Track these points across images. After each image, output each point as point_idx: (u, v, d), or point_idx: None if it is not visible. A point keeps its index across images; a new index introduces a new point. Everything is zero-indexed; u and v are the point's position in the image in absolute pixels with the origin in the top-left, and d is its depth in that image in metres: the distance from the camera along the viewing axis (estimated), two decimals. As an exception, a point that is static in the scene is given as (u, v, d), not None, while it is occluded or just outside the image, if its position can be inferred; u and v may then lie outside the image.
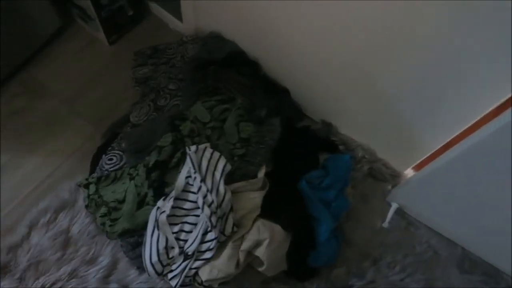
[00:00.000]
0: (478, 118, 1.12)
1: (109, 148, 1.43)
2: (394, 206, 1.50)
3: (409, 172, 1.53)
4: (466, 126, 1.17)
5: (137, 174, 1.29)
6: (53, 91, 1.61)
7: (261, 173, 1.31)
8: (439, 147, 1.31)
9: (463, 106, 1.12)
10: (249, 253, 1.28)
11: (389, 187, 1.54)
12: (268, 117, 1.48)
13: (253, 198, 1.28)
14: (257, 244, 1.26)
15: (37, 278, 1.31)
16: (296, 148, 1.47)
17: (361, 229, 1.48)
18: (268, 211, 1.32)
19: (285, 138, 1.44)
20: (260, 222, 1.28)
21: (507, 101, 1.01)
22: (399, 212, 1.52)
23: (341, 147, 1.56)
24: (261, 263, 1.27)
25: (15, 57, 1.57)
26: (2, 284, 1.30)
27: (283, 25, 1.35)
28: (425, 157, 1.40)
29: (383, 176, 1.53)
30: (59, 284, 1.31)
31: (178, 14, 1.67)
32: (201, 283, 1.29)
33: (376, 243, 1.47)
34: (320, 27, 1.25)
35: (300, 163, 1.44)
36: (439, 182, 1.25)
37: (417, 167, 1.48)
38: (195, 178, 1.23)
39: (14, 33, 1.49)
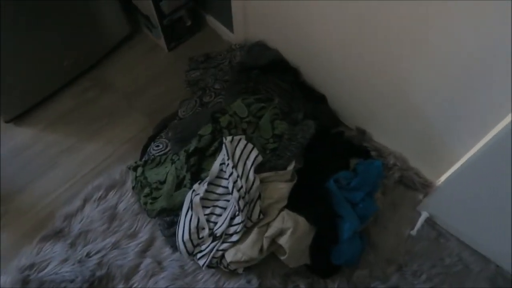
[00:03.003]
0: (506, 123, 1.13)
1: (158, 137, 1.60)
2: (424, 215, 1.49)
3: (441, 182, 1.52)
4: (495, 132, 1.17)
5: (178, 159, 1.44)
6: (117, 87, 1.84)
7: (290, 166, 1.40)
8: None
9: (492, 111, 1.14)
10: (273, 241, 1.35)
11: (421, 196, 1.54)
12: (304, 120, 1.57)
13: (281, 188, 1.36)
14: (281, 232, 1.33)
15: (85, 245, 1.48)
16: (328, 151, 1.54)
17: (387, 235, 1.49)
18: (294, 204, 1.39)
19: (318, 141, 1.52)
20: (285, 212, 1.36)
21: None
22: (430, 222, 1.51)
23: (373, 154, 1.60)
24: (284, 252, 1.33)
25: (90, 57, 1.83)
26: (55, 247, 1.48)
27: (321, 39, 1.47)
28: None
29: (414, 185, 1.54)
30: (103, 253, 1.47)
31: (230, 26, 1.86)
32: (226, 266, 1.38)
33: (402, 250, 1.46)
34: (352, 40, 1.35)
35: (330, 165, 1.50)
36: (466, 187, 1.24)
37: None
38: (228, 164, 1.35)
39: (91, 37, 1.75)
